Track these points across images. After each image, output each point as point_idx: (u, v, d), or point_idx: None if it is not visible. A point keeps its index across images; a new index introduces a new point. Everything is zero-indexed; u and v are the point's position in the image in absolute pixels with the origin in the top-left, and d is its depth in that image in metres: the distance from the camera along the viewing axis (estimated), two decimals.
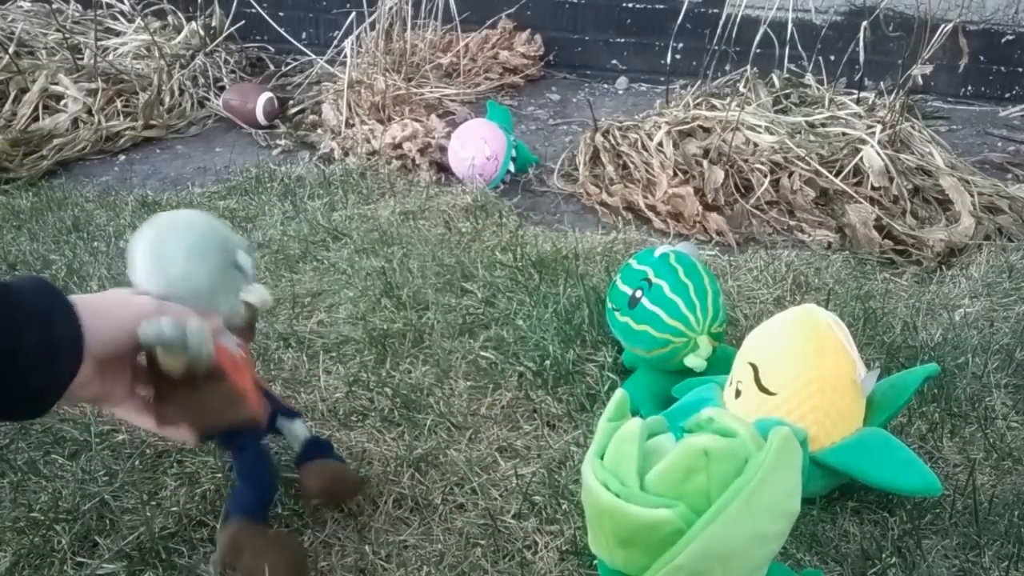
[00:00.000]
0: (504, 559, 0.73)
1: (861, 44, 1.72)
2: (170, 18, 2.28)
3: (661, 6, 2.28)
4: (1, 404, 0.52)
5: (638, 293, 0.91)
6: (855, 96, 1.78)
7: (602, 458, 0.59)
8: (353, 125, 1.78)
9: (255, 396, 0.69)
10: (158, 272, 0.63)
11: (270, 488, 0.70)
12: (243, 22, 2.28)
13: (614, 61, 2.39)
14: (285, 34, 2.22)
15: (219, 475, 0.82)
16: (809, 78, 1.90)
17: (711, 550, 0.53)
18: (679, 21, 2.01)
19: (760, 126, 1.62)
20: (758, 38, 1.70)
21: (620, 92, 2.30)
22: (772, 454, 0.54)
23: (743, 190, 1.51)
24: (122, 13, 2.27)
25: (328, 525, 0.76)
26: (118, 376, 0.62)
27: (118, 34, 2.20)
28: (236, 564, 0.65)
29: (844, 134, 1.60)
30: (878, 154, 1.49)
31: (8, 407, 0.52)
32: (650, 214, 1.47)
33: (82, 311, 0.55)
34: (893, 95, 1.63)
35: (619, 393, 0.62)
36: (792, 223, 1.44)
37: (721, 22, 1.79)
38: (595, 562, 0.70)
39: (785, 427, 0.56)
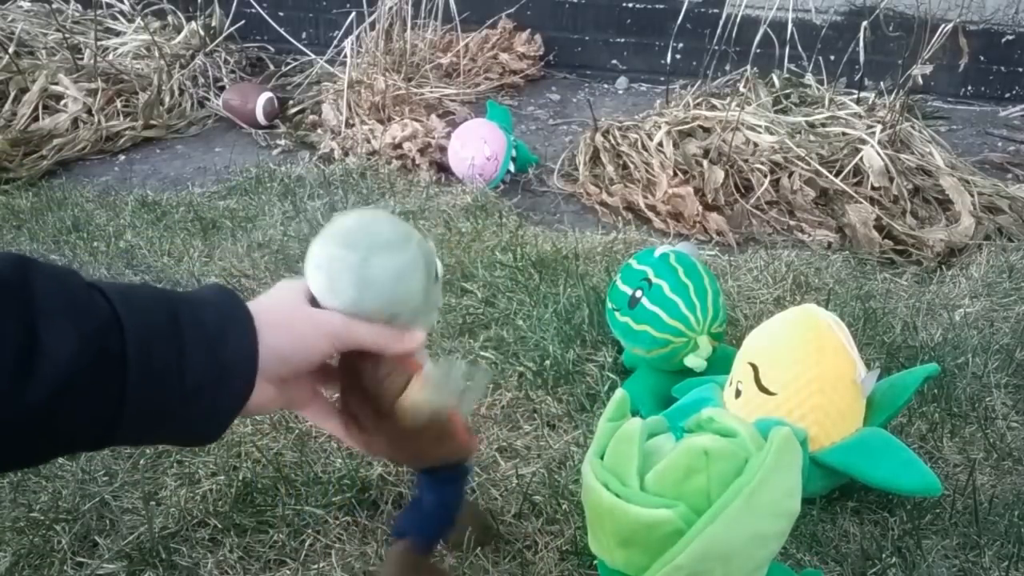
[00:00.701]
0: (504, 559, 0.73)
1: (861, 44, 1.72)
2: (170, 18, 2.28)
3: (661, 6, 2.28)
4: (170, 429, 0.46)
5: (638, 293, 0.91)
6: (855, 96, 1.78)
7: (602, 458, 0.59)
8: (353, 125, 1.78)
9: (464, 428, 0.60)
10: (369, 298, 0.53)
11: (452, 524, 0.65)
12: (243, 22, 2.28)
13: (614, 61, 2.39)
14: (285, 34, 2.22)
15: (219, 476, 0.82)
16: (809, 78, 1.90)
17: (711, 550, 0.53)
18: (679, 21, 2.01)
19: (760, 126, 1.62)
20: (758, 38, 1.70)
21: (620, 92, 2.30)
22: (772, 454, 0.54)
23: (743, 190, 1.51)
24: (122, 13, 2.27)
25: (329, 525, 0.76)
26: (302, 383, 0.56)
27: (118, 34, 2.20)
28: None
29: (844, 134, 1.60)
30: (878, 154, 1.49)
31: (177, 432, 0.47)
32: (650, 214, 1.47)
33: (262, 326, 0.48)
34: (893, 95, 1.63)
35: (619, 393, 0.62)
36: (792, 223, 1.44)
37: (721, 22, 1.79)
38: (595, 562, 0.70)
39: (785, 427, 0.56)
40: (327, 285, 0.53)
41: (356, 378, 0.56)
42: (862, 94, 1.80)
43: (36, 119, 1.79)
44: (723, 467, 0.54)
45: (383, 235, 0.54)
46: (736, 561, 0.55)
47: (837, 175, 1.49)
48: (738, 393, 0.79)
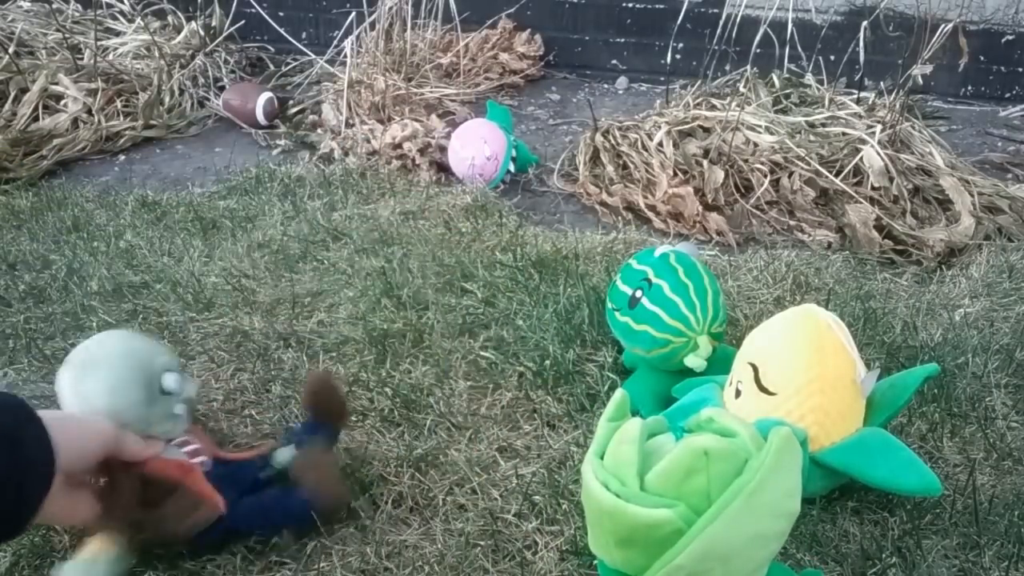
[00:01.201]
0: (504, 559, 0.73)
1: (861, 44, 1.72)
2: (170, 18, 2.28)
3: (661, 6, 2.28)
4: None
5: (638, 293, 0.91)
6: (855, 96, 1.78)
7: (602, 458, 0.59)
8: (353, 125, 1.78)
9: (208, 488, 0.71)
10: (87, 409, 0.66)
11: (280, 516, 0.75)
12: (243, 22, 2.28)
13: (614, 61, 2.39)
14: (285, 34, 2.22)
15: None
16: (809, 78, 1.90)
17: (711, 550, 0.53)
18: (679, 21, 2.01)
19: (760, 126, 1.62)
20: (758, 38, 1.70)
21: (620, 92, 2.30)
22: (772, 454, 0.54)
23: (743, 190, 1.51)
24: (122, 13, 2.27)
25: (329, 526, 0.76)
26: (83, 493, 0.65)
27: (118, 34, 2.20)
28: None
29: (844, 134, 1.60)
30: (878, 154, 1.49)
31: None
32: (650, 214, 1.47)
33: (53, 431, 0.56)
34: (893, 95, 1.63)
35: (619, 393, 0.62)
36: (792, 223, 1.44)
37: (721, 22, 1.79)
38: (595, 562, 0.71)
39: (785, 427, 0.56)
40: (64, 401, 0.67)
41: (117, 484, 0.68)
42: (862, 94, 1.80)
43: (36, 119, 1.79)
44: (723, 467, 0.54)
45: (101, 354, 0.68)
46: (736, 561, 0.55)
47: (837, 175, 1.49)
48: (738, 393, 0.79)
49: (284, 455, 0.78)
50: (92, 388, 0.66)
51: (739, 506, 0.52)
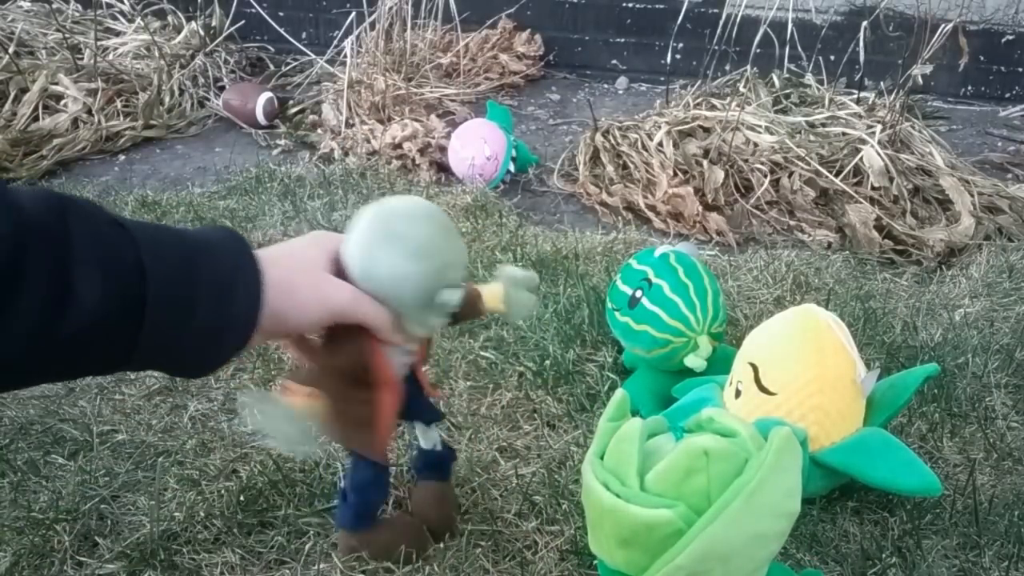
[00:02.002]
0: (504, 559, 0.73)
1: (861, 44, 1.72)
2: (170, 18, 2.28)
3: (661, 6, 2.28)
4: (169, 364, 0.49)
5: (638, 293, 0.91)
6: (855, 96, 1.78)
7: (602, 458, 0.59)
8: (353, 125, 1.78)
9: (385, 433, 0.64)
10: (365, 271, 0.56)
11: (372, 504, 0.71)
12: (243, 22, 2.28)
13: (614, 61, 2.39)
14: (285, 34, 2.22)
15: (221, 477, 0.82)
16: (809, 78, 1.90)
17: (711, 550, 0.53)
18: (679, 21, 2.01)
19: (760, 126, 1.62)
20: (758, 38, 1.70)
21: (620, 92, 2.30)
22: (772, 454, 0.54)
23: (743, 190, 1.51)
24: (122, 13, 2.27)
25: (330, 526, 0.76)
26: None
27: (118, 34, 2.20)
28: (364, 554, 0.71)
29: (844, 134, 1.60)
30: (878, 154, 1.49)
31: (174, 366, 0.50)
32: (650, 214, 1.47)
33: (269, 285, 0.50)
34: (893, 95, 1.63)
35: (619, 393, 0.62)
36: (792, 223, 1.44)
37: (721, 22, 1.79)
38: (595, 562, 0.70)
39: (785, 427, 0.56)
40: (361, 259, 0.56)
41: (335, 351, 0.59)
42: (862, 94, 1.80)
43: (36, 119, 1.79)
44: (723, 467, 0.54)
45: (407, 233, 0.57)
46: (736, 561, 0.55)
47: (837, 175, 1.49)
48: (738, 393, 0.79)
49: (428, 436, 0.74)
50: (387, 262, 0.56)
51: (739, 506, 0.52)
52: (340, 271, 0.56)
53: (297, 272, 0.53)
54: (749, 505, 0.53)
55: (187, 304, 0.46)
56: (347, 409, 0.59)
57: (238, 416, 0.92)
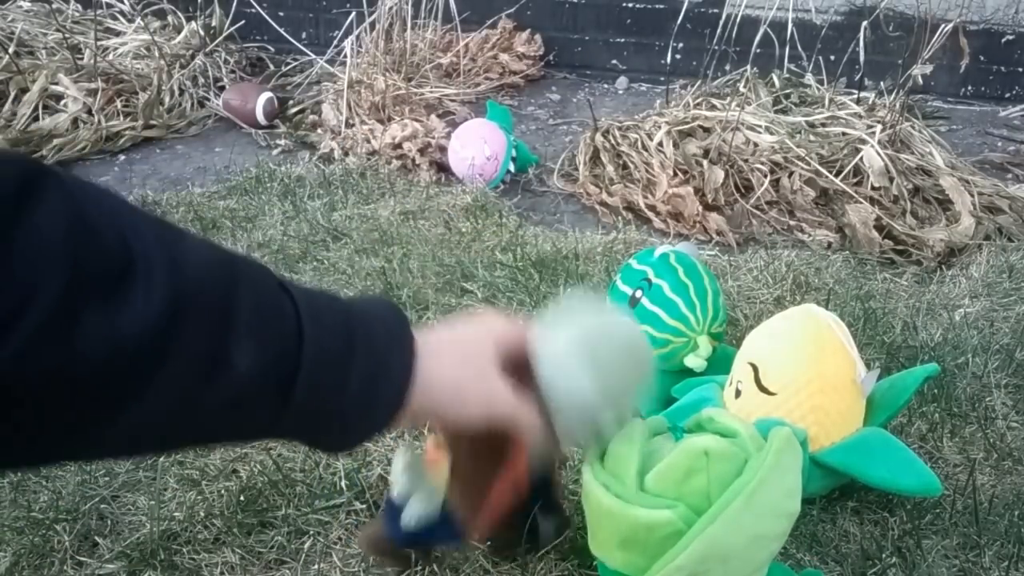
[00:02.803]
0: (504, 559, 0.73)
1: (861, 44, 1.72)
2: (170, 18, 2.28)
3: (661, 6, 2.28)
4: (307, 436, 0.47)
5: (638, 293, 0.91)
6: (855, 96, 1.78)
7: (602, 460, 0.59)
8: (353, 125, 1.78)
9: (489, 512, 0.61)
10: (554, 370, 0.54)
11: (432, 541, 0.67)
12: (243, 22, 2.28)
13: (614, 61, 2.39)
14: (285, 34, 2.22)
15: (221, 477, 0.82)
16: (809, 78, 1.90)
17: (711, 551, 0.53)
18: (679, 21, 2.01)
19: (760, 126, 1.62)
20: (758, 38, 1.70)
21: (620, 92, 2.30)
22: (772, 454, 0.54)
23: (743, 190, 1.51)
24: (122, 13, 2.27)
25: (330, 526, 0.76)
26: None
27: (118, 34, 2.20)
28: None
29: (844, 134, 1.60)
30: (878, 154, 1.49)
31: (314, 440, 0.48)
32: (650, 214, 1.47)
33: (433, 374, 0.48)
34: (893, 95, 1.63)
35: None
36: (792, 223, 1.44)
37: (721, 22, 1.78)
38: (595, 563, 0.70)
39: (785, 427, 0.56)
40: (549, 364, 0.54)
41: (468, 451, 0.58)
42: (862, 94, 1.79)
43: (36, 119, 1.79)
44: (723, 468, 0.54)
45: (631, 368, 0.56)
46: (736, 562, 0.55)
47: (837, 175, 1.49)
48: (738, 393, 0.79)
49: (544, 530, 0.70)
50: (574, 381, 0.53)
51: (739, 506, 0.52)
52: (507, 364, 0.53)
53: (464, 365, 0.51)
54: (749, 505, 0.53)
55: (340, 378, 0.44)
56: (470, 470, 0.58)
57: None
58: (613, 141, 1.66)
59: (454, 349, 0.51)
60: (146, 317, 0.35)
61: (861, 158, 1.50)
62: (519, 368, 0.54)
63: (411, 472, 0.55)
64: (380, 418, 0.47)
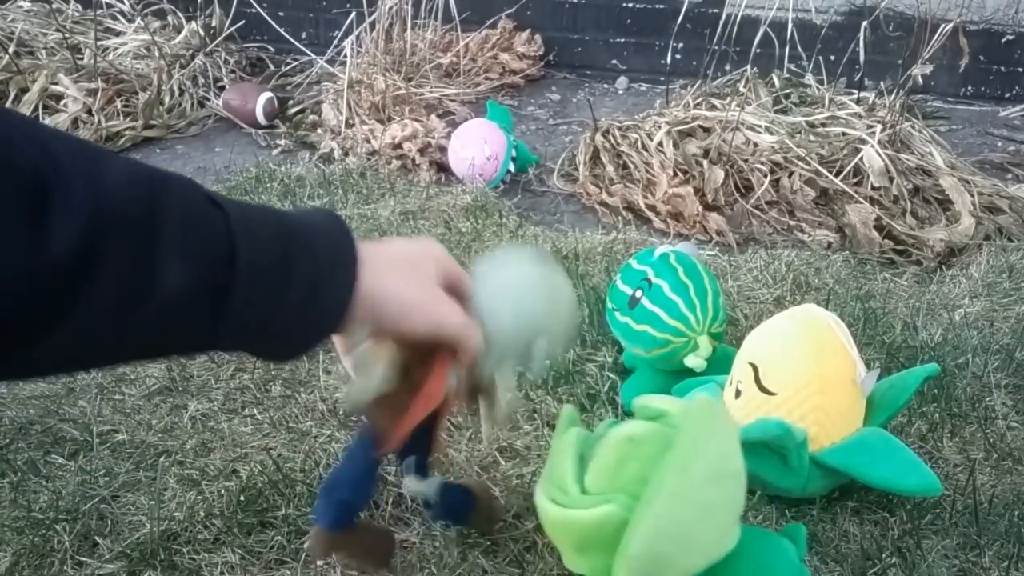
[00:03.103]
0: (503, 559, 0.73)
1: (861, 44, 1.72)
2: (170, 18, 2.28)
3: (661, 6, 2.28)
4: (250, 347, 0.47)
5: (638, 293, 0.91)
6: (855, 96, 1.78)
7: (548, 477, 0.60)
8: (353, 125, 1.78)
9: (403, 430, 0.61)
10: (485, 303, 0.58)
11: (357, 504, 0.66)
12: (243, 22, 2.28)
13: (614, 61, 2.39)
14: (285, 34, 2.22)
15: (220, 476, 0.82)
16: (809, 78, 1.90)
17: (660, 531, 0.52)
18: (679, 21, 2.01)
19: (760, 126, 1.62)
20: (758, 38, 1.70)
21: (620, 92, 2.30)
22: (693, 422, 0.54)
23: (743, 190, 1.51)
24: (122, 13, 2.27)
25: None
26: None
27: (118, 34, 2.20)
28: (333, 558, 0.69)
29: (844, 134, 1.60)
30: (878, 154, 1.49)
31: (258, 352, 0.48)
32: (650, 214, 1.47)
33: (376, 281, 0.48)
34: (893, 95, 1.63)
35: (565, 409, 0.63)
36: (792, 223, 1.44)
37: (721, 22, 1.79)
38: None
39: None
40: (494, 283, 0.59)
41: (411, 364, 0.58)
42: (862, 94, 1.80)
43: (36, 119, 1.79)
44: (651, 449, 0.54)
45: (541, 280, 0.60)
46: (691, 538, 0.54)
47: (837, 175, 1.49)
48: (738, 393, 0.79)
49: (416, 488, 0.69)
50: (510, 301, 0.58)
51: (674, 481, 0.52)
52: (448, 288, 0.56)
53: (409, 279, 0.52)
54: (684, 477, 0.52)
55: (277, 290, 0.44)
56: (390, 392, 0.59)
57: (237, 417, 0.92)
58: (613, 141, 1.66)
59: (398, 263, 0.52)
60: (64, 239, 0.34)
61: (861, 158, 1.50)
62: (452, 293, 0.56)
63: (360, 357, 0.56)
64: (323, 326, 0.47)
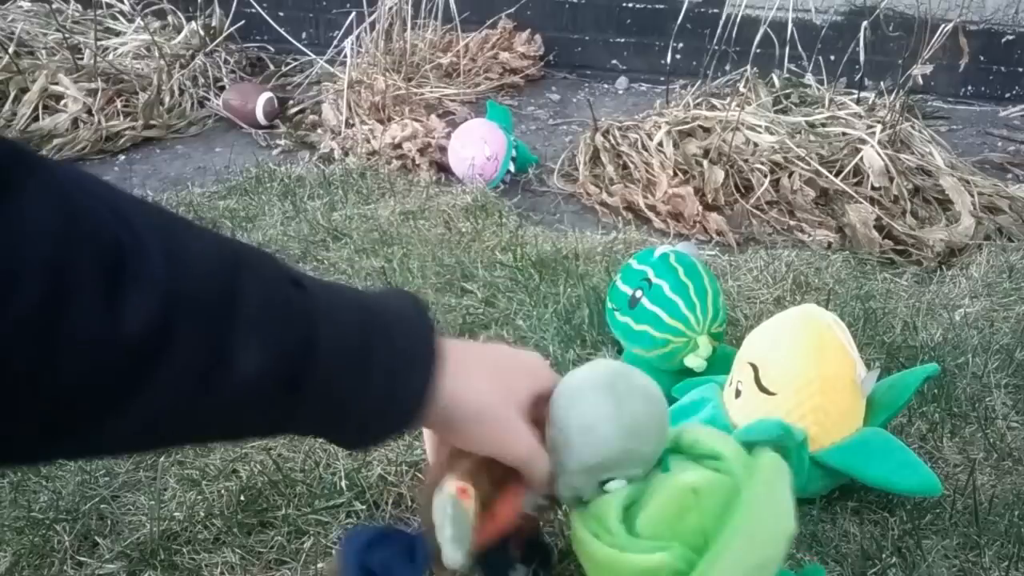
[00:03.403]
0: None
1: (861, 44, 1.72)
2: (170, 18, 2.28)
3: (661, 6, 2.28)
4: (323, 434, 0.45)
5: (638, 293, 0.91)
6: (855, 96, 1.78)
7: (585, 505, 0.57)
8: (353, 125, 1.78)
9: (482, 536, 0.55)
10: (569, 403, 0.53)
11: None
12: (243, 22, 2.28)
13: (614, 61, 2.39)
14: (285, 34, 2.22)
15: (221, 477, 0.82)
16: (809, 78, 1.90)
17: None
18: (679, 21, 2.01)
19: (760, 126, 1.62)
20: (758, 38, 1.70)
21: (620, 92, 2.30)
22: (763, 485, 0.53)
23: (743, 190, 1.51)
24: (122, 13, 2.27)
25: (329, 526, 0.76)
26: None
27: (118, 34, 2.20)
28: None
29: (844, 134, 1.60)
30: (878, 154, 1.49)
31: (330, 439, 0.46)
32: (650, 214, 1.47)
33: (446, 385, 0.45)
34: (893, 95, 1.63)
35: None
36: (792, 223, 1.44)
37: (721, 22, 1.79)
38: None
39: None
40: (566, 396, 0.53)
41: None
42: (862, 94, 1.80)
43: (36, 119, 1.79)
44: (714, 501, 0.53)
45: (650, 423, 0.54)
46: None
47: (837, 175, 1.49)
48: (738, 393, 0.79)
49: None
50: (588, 413, 0.53)
51: (739, 545, 0.51)
52: (539, 412, 0.53)
53: (496, 391, 0.49)
54: (750, 542, 0.52)
55: (354, 378, 0.41)
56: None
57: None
58: (613, 141, 1.66)
59: (487, 365, 0.49)
60: (138, 316, 0.32)
61: (861, 158, 1.50)
62: (540, 409, 0.53)
63: (456, 516, 0.50)
64: (399, 419, 0.45)
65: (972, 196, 1.44)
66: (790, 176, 1.51)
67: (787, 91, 1.82)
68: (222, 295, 0.36)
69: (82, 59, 1.99)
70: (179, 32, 2.23)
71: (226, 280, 0.36)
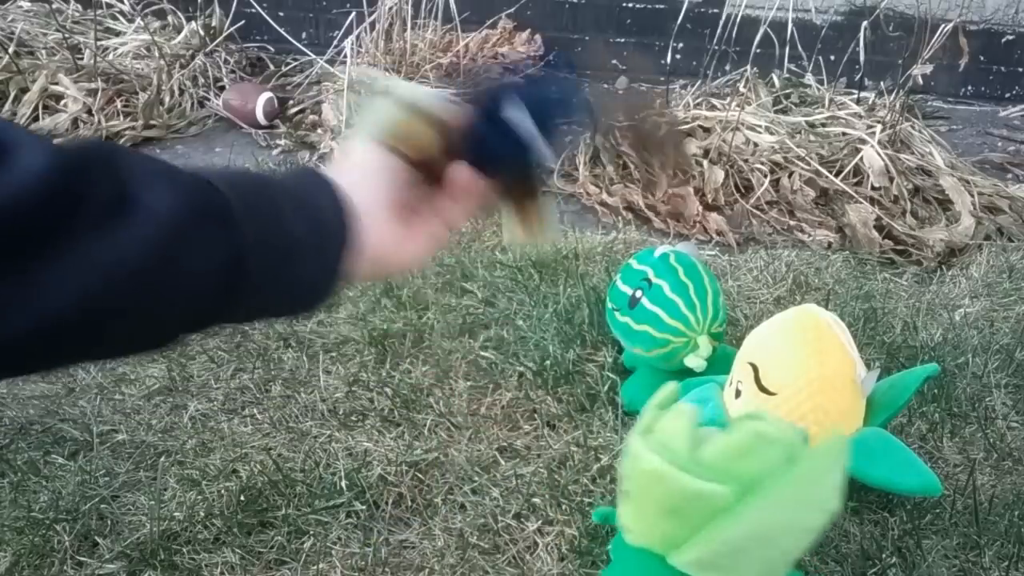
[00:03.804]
0: (504, 559, 0.73)
1: (861, 44, 1.72)
2: (170, 18, 2.28)
3: (661, 6, 2.28)
4: (286, 300, 0.45)
5: (638, 293, 0.91)
6: (855, 96, 1.78)
7: (651, 432, 0.60)
8: (353, 125, 1.78)
9: None
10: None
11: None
12: (243, 22, 2.28)
13: (614, 61, 2.39)
14: (285, 34, 2.22)
15: (221, 477, 0.82)
16: (809, 78, 1.90)
17: (757, 530, 0.54)
18: (679, 21, 2.00)
19: (760, 126, 1.62)
20: (758, 38, 1.70)
21: (620, 92, 2.29)
22: (828, 449, 0.56)
23: (743, 190, 1.51)
24: (122, 13, 2.27)
25: (329, 526, 0.76)
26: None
27: (118, 34, 2.20)
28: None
29: (844, 134, 1.60)
30: (878, 154, 1.49)
31: (292, 304, 0.45)
32: (650, 214, 1.47)
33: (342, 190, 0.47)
34: (893, 95, 1.63)
35: (671, 384, 0.63)
36: (792, 223, 1.44)
37: (721, 22, 1.78)
38: (607, 549, 0.70)
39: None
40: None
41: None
42: (862, 94, 1.79)
43: (36, 119, 1.79)
44: (774, 453, 0.55)
45: None
46: (774, 547, 0.56)
47: (837, 175, 1.49)
48: (738, 393, 0.79)
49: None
50: None
51: (791, 493, 0.54)
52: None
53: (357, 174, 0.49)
54: (800, 494, 0.54)
55: (273, 213, 0.43)
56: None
57: (237, 417, 0.92)
58: (613, 141, 1.65)
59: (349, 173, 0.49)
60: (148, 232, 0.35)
61: (861, 158, 1.50)
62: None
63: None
64: (340, 238, 0.45)
65: (972, 196, 1.44)
66: (790, 176, 1.51)
67: (787, 91, 1.82)
68: (111, 163, 0.37)
69: (82, 59, 1.99)
70: (179, 32, 2.23)
71: (109, 155, 0.37)
